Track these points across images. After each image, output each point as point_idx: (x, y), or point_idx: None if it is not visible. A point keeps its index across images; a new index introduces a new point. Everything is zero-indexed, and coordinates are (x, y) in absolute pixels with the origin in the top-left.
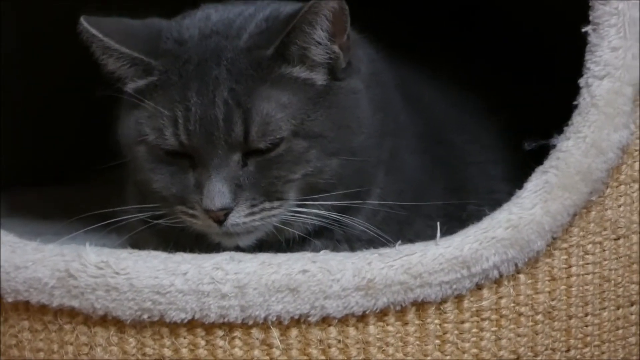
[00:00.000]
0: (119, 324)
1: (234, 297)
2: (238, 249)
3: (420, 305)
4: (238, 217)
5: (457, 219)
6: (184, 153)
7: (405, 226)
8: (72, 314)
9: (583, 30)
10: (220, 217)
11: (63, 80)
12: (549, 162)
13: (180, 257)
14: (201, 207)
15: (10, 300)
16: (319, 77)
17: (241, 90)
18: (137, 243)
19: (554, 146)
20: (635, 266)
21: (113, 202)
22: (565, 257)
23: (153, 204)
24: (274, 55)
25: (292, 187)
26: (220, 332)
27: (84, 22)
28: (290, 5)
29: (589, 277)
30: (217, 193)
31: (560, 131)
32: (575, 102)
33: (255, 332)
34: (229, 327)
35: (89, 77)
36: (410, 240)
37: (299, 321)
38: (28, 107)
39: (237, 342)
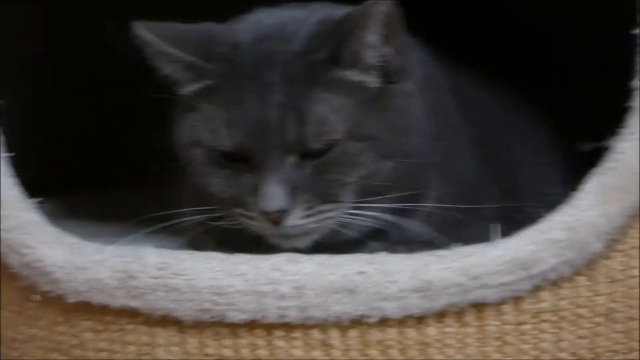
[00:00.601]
0: (179, 325)
1: (292, 298)
2: (295, 250)
3: (478, 307)
4: (295, 219)
5: (513, 221)
6: (240, 155)
7: (461, 228)
8: (133, 314)
9: (632, 32)
10: (276, 218)
11: (118, 84)
12: (605, 164)
13: (239, 258)
14: (258, 209)
15: (72, 300)
16: (372, 80)
17: (295, 93)
18: (195, 245)
19: (607, 148)
20: None
21: (169, 205)
22: (624, 259)
23: (210, 206)
24: (327, 59)
25: (347, 190)
26: (280, 333)
27: (138, 27)
28: (343, 9)
29: None
30: (274, 195)
31: (614, 133)
32: (629, 104)
33: (314, 333)
34: (288, 328)
35: (143, 80)
36: (467, 242)
37: (358, 322)
38: (82, 109)
39: (297, 342)
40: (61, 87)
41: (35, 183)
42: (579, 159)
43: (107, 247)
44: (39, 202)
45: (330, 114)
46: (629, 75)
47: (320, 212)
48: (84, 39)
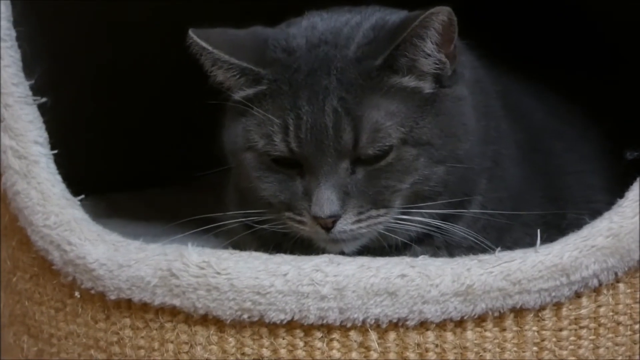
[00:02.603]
0: (219, 324)
1: (332, 299)
2: (342, 254)
3: (518, 312)
4: (345, 225)
5: (556, 228)
6: (292, 160)
7: (504, 234)
8: (173, 312)
9: None
10: (328, 224)
11: (164, 86)
12: None
13: (281, 258)
14: (309, 214)
15: (113, 297)
16: (427, 86)
17: (351, 99)
18: (238, 247)
19: None
20: None
21: (212, 207)
22: None
23: (257, 210)
24: (383, 66)
25: (399, 196)
26: (319, 334)
27: (193, 35)
28: (396, 14)
29: None
30: (326, 200)
31: None
32: None
33: (353, 334)
34: (327, 328)
35: (189, 83)
36: (509, 247)
37: (397, 325)
38: (129, 111)
39: (335, 344)
40: (108, 86)
41: (80, 181)
42: (626, 167)
43: (149, 246)
44: (83, 200)
45: (385, 119)
46: None
47: (371, 217)
48: (133, 39)
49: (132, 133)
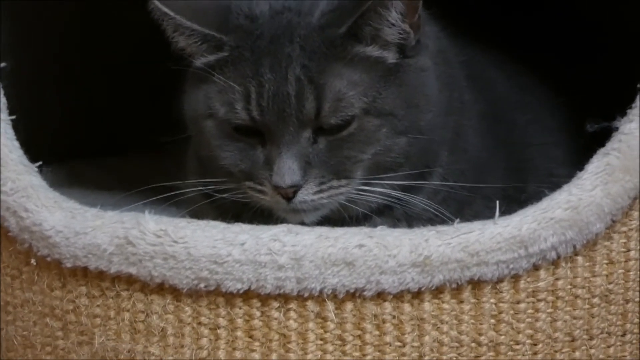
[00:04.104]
0: (175, 293)
1: (290, 269)
2: (302, 224)
3: (476, 284)
4: (306, 195)
5: (516, 200)
6: (254, 129)
7: (465, 206)
8: (129, 281)
9: None
10: (289, 193)
11: (123, 53)
12: (610, 144)
13: (239, 227)
14: (270, 183)
15: (69, 265)
16: (391, 56)
17: (314, 67)
18: (196, 216)
19: (616, 129)
20: None
21: (173, 175)
22: (624, 240)
23: (217, 179)
24: (347, 34)
25: (360, 166)
26: (276, 304)
27: (154, 0)
28: None
29: None
30: (288, 170)
31: (623, 114)
32: (638, 85)
33: (310, 304)
34: (284, 298)
35: (149, 50)
36: (469, 220)
37: (354, 295)
38: (87, 80)
39: (292, 314)
40: (70, 52)
41: (41, 148)
42: (587, 140)
43: (106, 213)
44: (42, 167)
45: (348, 89)
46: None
47: (332, 187)
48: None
49: (93, 100)
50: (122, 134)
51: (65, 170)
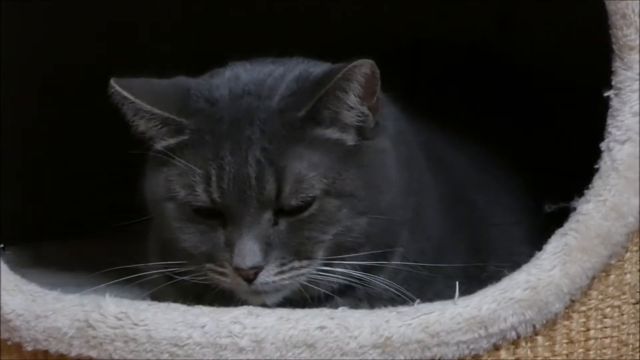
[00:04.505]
0: None
1: (251, 352)
2: (264, 306)
3: None
4: (268, 276)
5: (477, 280)
6: (214, 211)
7: (426, 285)
8: None
9: (605, 94)
10: (250, 275)
11: (87, 135)
12: (568, 225)
13: (199, 310)
14: (231, 265)
15: (29, 349)
16: (350, 138)
17: (274, 150)
18: (158, 298)
19: (574, 209)
20: None
21: (135, 257)
22: (583, 320)
23: (177, 261)
24: (306, 117)
25: (322, 247)
26: None
27: (114, 84)
28: (320, 66)
29: (607, 340)
30: (249, 252)
31: (580, 194)
32: (596, 166)
33: None
34: None
35: (112, 131)
36: (431, 299)
37: None
38: (51, 161)
39: None
40: (34, 134)
41: (4, 230)
42: (545, 220)
43: (67, 296)
44: (4, 249)
45: (308, 170)
46: (597, 137)
47: (293, 268)
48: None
49: (57, 182)
50: (84, 216)
51: (28, 252)
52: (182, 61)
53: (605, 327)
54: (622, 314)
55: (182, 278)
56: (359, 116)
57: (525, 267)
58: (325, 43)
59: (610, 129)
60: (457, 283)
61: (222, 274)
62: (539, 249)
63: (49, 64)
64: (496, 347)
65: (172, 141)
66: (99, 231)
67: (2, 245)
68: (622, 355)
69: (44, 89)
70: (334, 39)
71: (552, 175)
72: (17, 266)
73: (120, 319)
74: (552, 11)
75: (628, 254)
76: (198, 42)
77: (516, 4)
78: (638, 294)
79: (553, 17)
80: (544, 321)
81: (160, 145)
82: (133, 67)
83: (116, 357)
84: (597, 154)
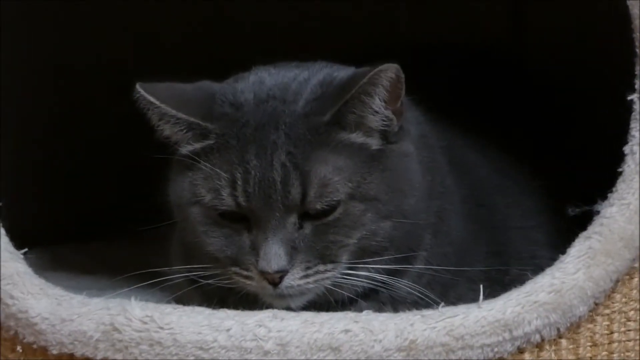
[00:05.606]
0: None
1: (276, 355)
2: (288, 309)
3: None
4: (293, 280)
5: (499, 283)
6: (240, 215)
7: (449, 289)
8: None
9: (629, 98)
10: (276, 279)
11: (110, 140)
12: (592, 228)
13: (224, 313)
14: (257, 269)
15: (55, 352)
16: (374, 142)
17: (299, 154)
18: (182, 301)
19: (597, 212)
20: None
21: (157, 261)
22: (607, 323)
23: (202, 264)
24: (331, 122)
25: (346, 251)
26: None
27: (140, 89)
28: (344, 70)
29: (631, 343)
30: (274, 255)
31: (603, 197)
32: (619, 169)
33: None
34: None
35: (136, 135)
36: (453, 303)
37: None
38: (73, 163)
39: None
40: (54, 136)
41: (25, 234)
42: (568, 223)
43: (92, 300)
44: (26, 253)
45: (333, 174)
46: (621, 140)
47: (318, 272)
48: (80, 86)
49: (79, 185)
50: (107, 220)
51: (49, 255)
52: (203, 66)
53: (629, 330)
54: None
55: (206, 282)
56: (384, 120)
57: (549, 271)
58: (338, 49)
59: (633, 132)
60: (481, 286)
61: (247, 277)
62: (560, 252)
63: (79, 67)
64: (520, 350)
65: (197, 145)
66: (119, 235)
67: (25, 250)
68: None
69: (66, 91)
70: (347, 44)
71: (570, 178)
72: (39, 269)
73: (145, 323)
74: (567, 14)
75: None
76: (220, 47)
77: (531, 7)
78: None
79: (568, 20)
80: (568, 324)
81: (185, 149)
82: (157, 72)
83: None
84: (621, 158)
